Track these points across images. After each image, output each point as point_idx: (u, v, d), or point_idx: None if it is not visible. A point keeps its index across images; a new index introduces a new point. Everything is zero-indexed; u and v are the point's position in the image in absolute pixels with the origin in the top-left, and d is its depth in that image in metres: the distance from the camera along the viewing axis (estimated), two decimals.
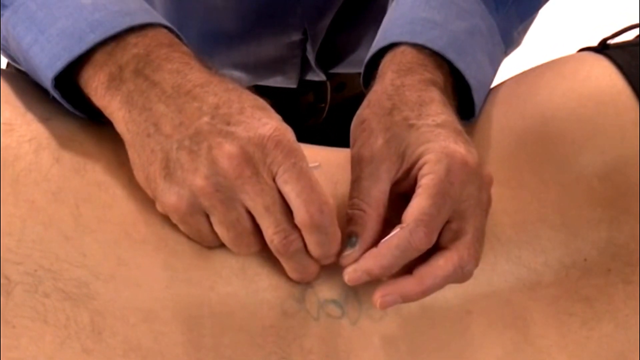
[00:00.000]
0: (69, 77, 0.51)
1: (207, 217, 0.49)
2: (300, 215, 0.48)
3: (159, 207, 0.50)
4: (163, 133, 0.49)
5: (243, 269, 0.51)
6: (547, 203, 0.55)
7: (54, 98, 0.52)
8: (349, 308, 0.53)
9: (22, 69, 0.54)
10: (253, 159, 0.47)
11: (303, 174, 0.48)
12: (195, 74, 0.50)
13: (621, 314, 0.54)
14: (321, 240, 0.49)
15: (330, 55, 0.83)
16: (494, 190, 0.53)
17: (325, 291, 0.52)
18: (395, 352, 0.52)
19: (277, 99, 0.85)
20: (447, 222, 0.50)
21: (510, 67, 0.68)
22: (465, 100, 0.58)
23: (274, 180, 0.48)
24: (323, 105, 0.87)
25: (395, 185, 0.52)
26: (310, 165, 0.49)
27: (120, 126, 0.50)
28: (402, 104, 0.53)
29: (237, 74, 0.82)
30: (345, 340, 0.52)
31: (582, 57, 0.61)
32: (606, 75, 0.57)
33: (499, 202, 0.55)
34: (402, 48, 0.57)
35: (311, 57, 0.81)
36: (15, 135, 0.50)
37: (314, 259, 0.50)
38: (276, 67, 0.82)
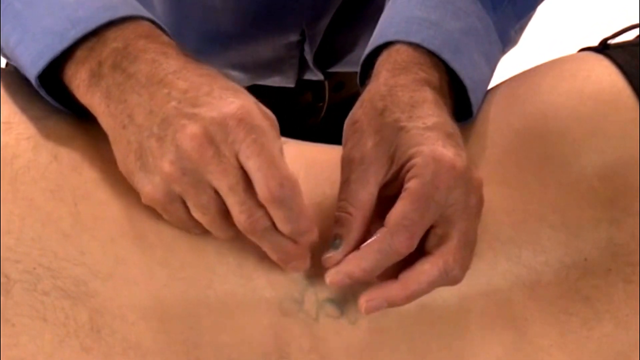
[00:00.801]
0: (56, 75, 0.51)
1: (185, 203, 0.49)
2: (260, 190, 0.47)
3: (142, 199, 0.50)
4: (136, 123, 0.48)
5: (240, 266, 0.51)
6: (547, 202, 0.55)
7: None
8: (348, 308, 0.53)
9: None
10: (215, 139, 0.47)
11: (264, 150, 0.47)
12: (170, 62, 0.50)
13: (621, 313, 0.54)
14: (285, 215, 0.48)
15: (328, 55, 0.83)
16: (494, 189, 0.54)
17: (324, 291, 0.52)
18: (395, 352, 0.52)
19: (276, 99, 0.85)
20: (433, 226, 0.50)
21: (510, 66, 0.68)
22: (463, 100, 0.58)
23: (238, 159, 0.47)
24: (321, 104, 0.87)
25: (384, 187, 0.52)
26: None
27: (102, 122, 0.50)
28: (393, 105, 0.53)
29: (235, 74, 0.82)
30: (345, 339, 0.52)
31: (582, 57, 0.61)
32: (606, 75, 0.57)
33: (499, 201, 0.55)
34: (397, 46, 0.57)
35: (309, 57, 0.81)
36: (14, 133, 0.50)
37: (289, 238, 0.50)
38: (274, 68, 0.82)
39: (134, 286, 0.49)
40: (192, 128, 0.47)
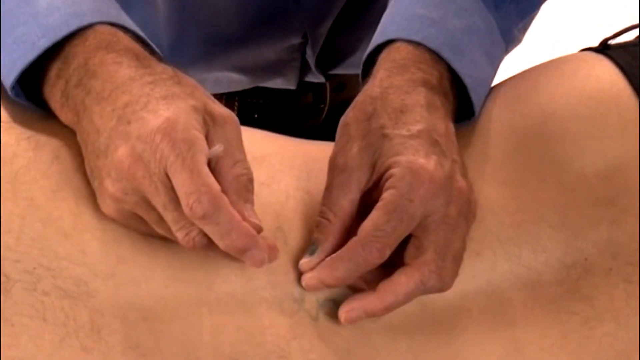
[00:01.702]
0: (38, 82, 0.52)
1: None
2: (184, 208, 0.46)
3: None
4: (88, 142, 0.49)
5: (241, 267, 0.51)
6: (547, 202, 0.55)
7: None
8: None
9: None
10: (144, 157, 0.46)
11: (186, 165, 0.46)
12: (120, 73, 0.49)
13: (622, 313, 0.54)
14: (214, 231, 0.46)
15: (329, 57, 0.83)
16: (495, 189, 0.54)
17: (325, 291, 0.52)
18: (395, 351, 0.52)
19: (277, 100, 0.85)
20: (412, 236, 0.51)
21: (510, 66, 0.68)
22: (466, 99, 0.58)
23: (167, 175, 0.47)
24: (322, 106, 0.87)
25: (367, 194, 0.52)
26: (212, 149, 0.48)
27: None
28: (382, 109, 0.53)
29: (236, 76, 0.82)
30: (345, 339, 0.52)
31: (582, 57, 0.61)
32: (607, 75, 0.57)
33: (499, 201, 0.55)
34: (397, 44, 0.57)
35: (311, 60, 0.81)
36: (14, 133, 0.50)
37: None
38: (275, 70, 0.82)
39: (135, 286, 0.49)
40: (123, 149, 0.46)
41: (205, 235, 0.47)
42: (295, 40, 0.79)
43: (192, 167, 0.46)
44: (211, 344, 0.49)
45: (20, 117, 0.51)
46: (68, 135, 0.51)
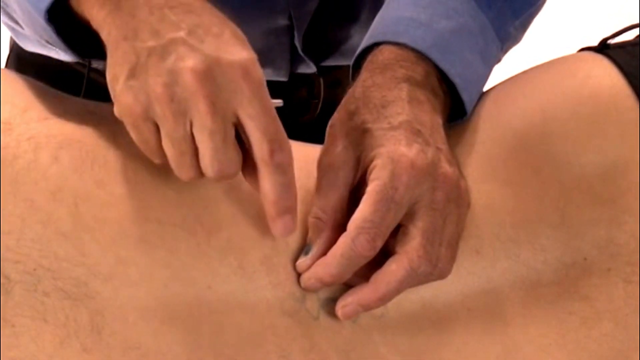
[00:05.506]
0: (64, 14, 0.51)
1: (158, 129, 0.48)
2: (260, 150, 0.47)
3: (115, 110, 0.49)
4: (139, 38, 0.48)
5: (241, 267, 0.51)
6: (547, 202, 0.55)
7: (55, 86, 0.52)
8: None
9: (23, 32, 0.54)
10: (216, 81, 0.46)
11: (269, 112, 0.47)
12: None
13: (621, 313, 0.54)
14: (280, 181, 0.48)
15: (319, 45, 0.82)
16: (495, 189, 0.54)
17: (326, 289, 0.52)
18: (396, 350, 0.52)
19: (271, 94, 0.84)
20: (401, 225, 0.51)
21: (510, 66, 0.68)
22: (460, 98, 0.58)
23: (234, 111, 0.47)
24: (316, 101, 0.86)
25: (356, 189, 0.52)
26: (273, 101, 0.49)
27: (104, 33, 0.49)
28: (363, 106, 0.53)
29: None
30: (346, 338, 0.52)
31: (582, 57, 0.61)
32: (606, 75, 0.57)
33: (499, 200, 0.55)
34: (381, 47, 0.57)
35: (298, 44, 0.79)
36: (14, 135, 0.50)
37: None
38: (264, 57, 0.80)
39: (134, 287, 0.49)
40: (195, 62, 0.46)
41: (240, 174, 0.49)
42: (282, 21, 0.77)
43: (273, 114, 0.47)
44: (212, 344, 0.49)
45: (20, 118, 0.51)
46: (68, 136, 0.51)
